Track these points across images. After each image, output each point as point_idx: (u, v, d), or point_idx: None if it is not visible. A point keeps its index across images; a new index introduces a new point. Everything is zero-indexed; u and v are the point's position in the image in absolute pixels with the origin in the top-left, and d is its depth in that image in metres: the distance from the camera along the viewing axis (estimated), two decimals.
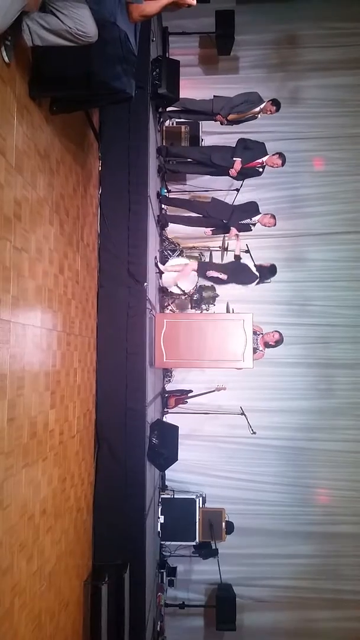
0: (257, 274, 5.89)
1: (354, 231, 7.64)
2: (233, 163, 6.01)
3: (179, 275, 6.14)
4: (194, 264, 6.14)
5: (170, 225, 6.87)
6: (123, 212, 4.67)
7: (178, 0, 2.74)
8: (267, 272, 6.00)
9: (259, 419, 6.74)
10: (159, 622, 6.00)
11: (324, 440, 7.37)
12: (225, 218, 6.38)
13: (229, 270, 5.92)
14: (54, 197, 3.27)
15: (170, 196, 6.87)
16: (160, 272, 6.14)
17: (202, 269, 6.07)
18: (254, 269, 5.90)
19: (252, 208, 6.26)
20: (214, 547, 6.61)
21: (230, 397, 6.93)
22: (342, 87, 7.67)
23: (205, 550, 6.61)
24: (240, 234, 6.92)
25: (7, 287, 2.47)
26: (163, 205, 6.81)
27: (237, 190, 6.58)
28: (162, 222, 6.60)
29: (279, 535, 7.21)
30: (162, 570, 6.48)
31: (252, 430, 6.45)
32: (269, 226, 6.29)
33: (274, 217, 6.23)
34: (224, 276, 5.86)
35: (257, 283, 6.00)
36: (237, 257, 6.01)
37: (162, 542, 6.60)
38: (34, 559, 2.88)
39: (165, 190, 6.70)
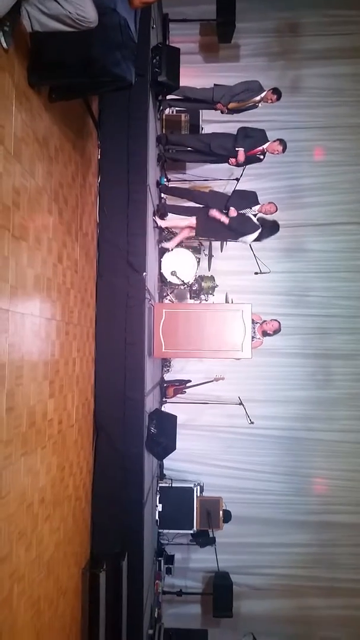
0: (259, 225, 5.84)
1: (353, 222, 7.62)
2: (236, 153, 5.95)
3: (178, 236, 6.07)
4: (192, 220, 6.08)
5: (170, 215, 6.84)
6: (122, 201, 4.64)
7: None
8: (268, 227, 5.91)
9: (257, 409, 6.77)
10: (156, 609, 6.06)
11: (322, 431, 7.41)
12: (226, 207, 6.34)
13: (231, 219, 5.84)
14: (53, 185, 3.25)
15: (169, 185, 6.82)
16: (160, 228, 6.12)
17: (204, 212, 5.98)
18: (255, 221, 5.86)
19: (251, 197, 6.20)
20: (211, 535, 6.67)
21: (229, 387, 6.95)
22: (343, 76, 7.61)
23: (203, 539, 6.67)
24: None
25: (6, 276, 2.46)
26: (162, 195, 6.78)
27: (237, 179, 6.54)
28: (161, 211, 6.56)
29: (276, 524, 7.28)
30: (159, 558, 6.54)
31: (250, 420, 6.48)
32: (270, 214, 6.26)
33: (274, 204, 6.19)
34: (225, 219, 5.78)
35: (257, 239, 5.90)
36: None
37: (160, 531, 6.65)
38: (32, 546, 2.90)
39: (165, 179, 6.66)
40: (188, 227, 6.14)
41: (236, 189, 6.32)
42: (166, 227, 6.44)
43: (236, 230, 5.91)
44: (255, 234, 5.87)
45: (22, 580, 2.74)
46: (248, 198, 6.19)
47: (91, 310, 4.40)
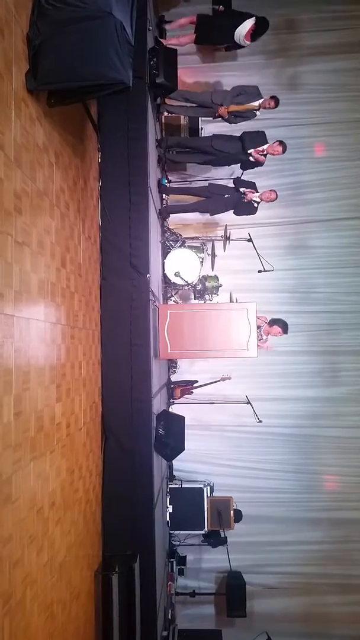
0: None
1: (356, 217, 7.59)
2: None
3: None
4: (192, 36, 6.23)
5: (172, 216, 6.87)
6: (124, 203, 4.65)
7: None
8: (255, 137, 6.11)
9: (264, 408, 6.77)
10: (170, 611, 6.06)
11: (330, 427, 7.38)
12: (228, 193, 6.37)
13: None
14: (54, 190, 3.27)
15: (170, 186, 6.84)
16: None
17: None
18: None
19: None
20: (222, 535, 6.66)
21: (236, 387, 6.95)
22: (341, 72, 7.58)
23: (214, 539, 6.66)
24: (243, 223, 6.92)
25: (10, 282, 2.47)
26: (164, 196, 6.79)
27: (238, 178, 6.55)
28: (164, 214, 6.58)
29: (287, 522, 7.26)
30: (171, 560, 6.53)
31: (258, 418, 6.48)
32: (270, 201, 6.28)
33: (274, 191, 6.23)
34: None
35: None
36: None
37: (171, 532, 6.65)
38: (44, 550, 2.90)
39: (166, 181, 6.67)
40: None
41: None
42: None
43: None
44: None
45: (35, 584, 2.75)
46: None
47: (96, 313, 4.41)
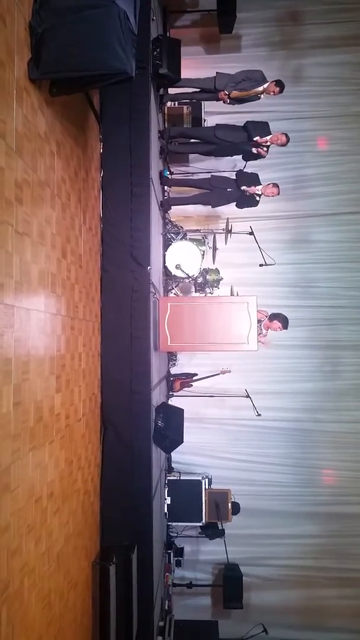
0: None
1: (358, 211, 7.57)
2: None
3: None
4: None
5: (174, 208, 6.84)
6: (125, 195, 4.64)
7: None
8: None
9: (263, 401, 6.78)
10: (166, 602, 6.10)
11: (329, 422, 7.40)
12: (229, 187, 6.35)
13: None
14: (56, 180, 3.25)
15: (172, 177, 6.81)
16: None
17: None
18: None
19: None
20: (220, 527, 6.70)
21: (235, 380, 6.95)
22: (345, 65, 7.53)
23: (212, 531, 6.69)
24: (244, 216, 6.90)
25: (10, 272, 2.46)
26: (166, 188, 6.76)
27: (241, 170, 6.52)
28: (165, 207, 6.56)
29: (284, 515, 7.29)
30: (169, 551, 6.57)
31: (257, 412, 6.49)
32: (272, 195, 6.26)
33: (276, 185, 6.21)
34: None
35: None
36: None
37: (169, 523, 6.68)
38: (42, 540, 2.92)
39: (168, 172, 6.65)
40: None
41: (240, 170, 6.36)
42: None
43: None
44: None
45: (33, 573, 2.76)
46: (250, 179, 6.26)
47: (96, 305, 4.40)
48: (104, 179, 4.61)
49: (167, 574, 6.32)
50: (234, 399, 6.96)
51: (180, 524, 6.73)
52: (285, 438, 7.41)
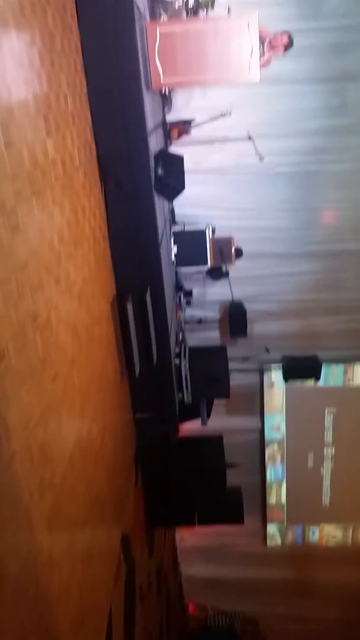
0: None
1: None
2: None
3: None
4: None
5: None
6: None
7: None
8: None
9: (266, 145, 6.48)
10: (180, 333, 6.86)
11: (335, 163, 7.11)
12: None
13: None
14: None
15: None
16: None
17: None
18: None
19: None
20: (224, 270, 7.13)
21: (236, 124, 6.52)
22: None
23: (217, 273, 7.14)
24: None
25: None
26: None
27: None
28: None
29: (285, 257, 7.61)
30: (179, 293, 7.13)
31: (260, 156, 6.24)
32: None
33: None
34: None
35: None
36: None
37: (177, 269, 7.07)
38: (61, 280, 3.12)
39: None
40: None
41: None
42: None
43: None
44: None
45: (57, 308, 3.04)
46: None
47: (75, 37, 3.84)
48: None
49: (179, 311, 6.97)
50: (235, 146, 6.62)
51: (187, 268, 7.10)
52: (287, 183, 7.20)
